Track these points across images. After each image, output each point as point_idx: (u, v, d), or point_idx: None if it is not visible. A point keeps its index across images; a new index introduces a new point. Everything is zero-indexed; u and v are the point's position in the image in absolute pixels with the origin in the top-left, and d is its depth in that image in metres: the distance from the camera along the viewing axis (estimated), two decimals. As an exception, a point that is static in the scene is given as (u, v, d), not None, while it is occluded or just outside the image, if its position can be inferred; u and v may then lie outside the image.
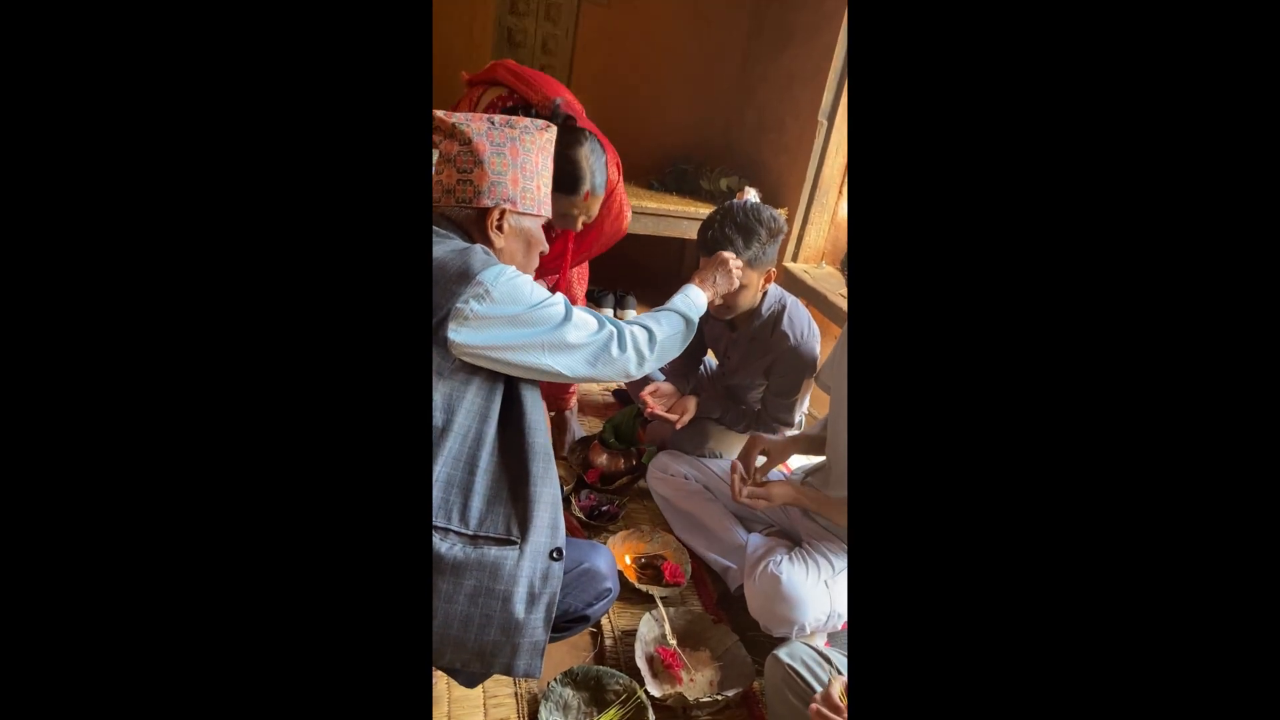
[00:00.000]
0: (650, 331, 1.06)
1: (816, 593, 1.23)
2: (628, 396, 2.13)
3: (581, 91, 3.04)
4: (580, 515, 1.58)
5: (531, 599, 0.89)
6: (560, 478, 1.68)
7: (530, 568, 0.89)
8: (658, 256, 3.18)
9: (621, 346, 1.00)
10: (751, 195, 2.75)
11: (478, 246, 0.93)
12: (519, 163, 0.99)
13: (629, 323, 1.05)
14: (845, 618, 1.30)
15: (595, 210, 1.42)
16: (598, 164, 1.35)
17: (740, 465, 1.39)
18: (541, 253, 1.08)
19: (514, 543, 0.90)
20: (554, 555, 0.92)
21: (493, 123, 0.98)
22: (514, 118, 1.00)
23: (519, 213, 1.00)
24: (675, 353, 1.14)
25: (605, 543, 1.48)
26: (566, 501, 1.62)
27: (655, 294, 3.17)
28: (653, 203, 2.66)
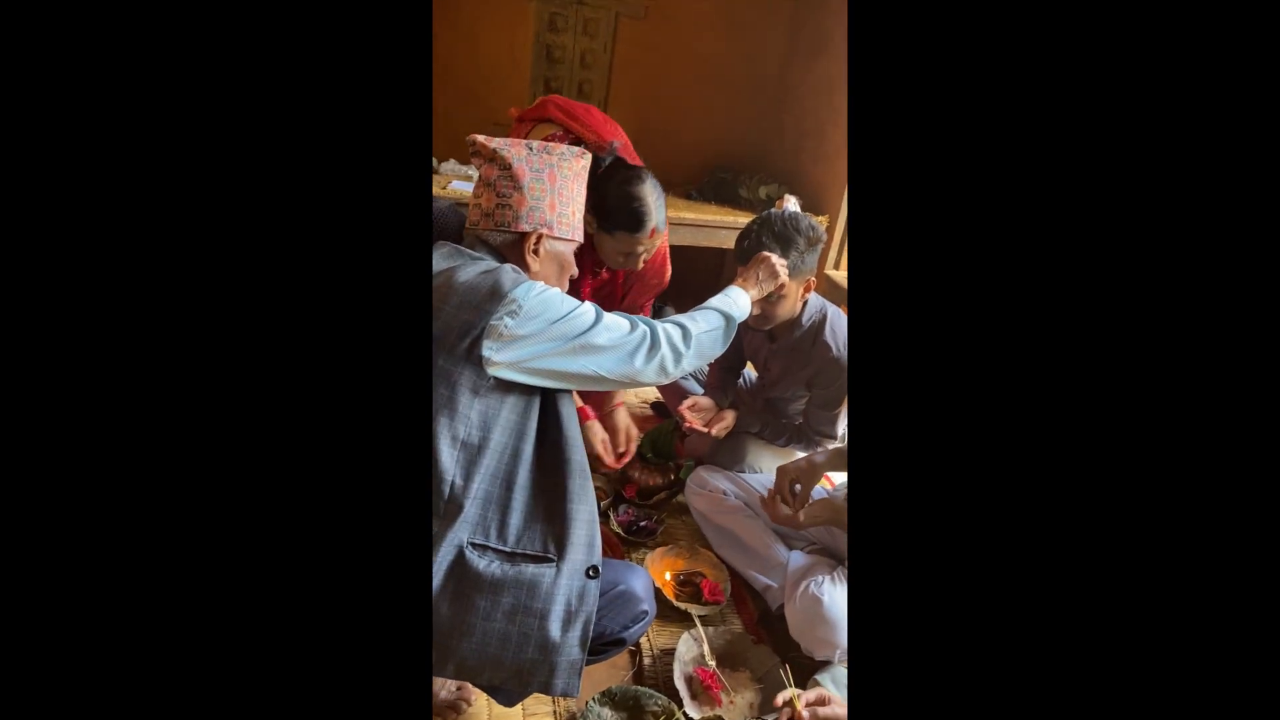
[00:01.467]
0: (684, 329, 1.04)
1: (860, 616, 1.19)
2: (666, 410, 2.12)
3: (620, 104, 3.09)
4: (618, 530, 1.57)
5: (568, 618, 0.89)
6: (598, 491, 1.68)
7: (567, 585, 0.89)
8: (696, 267, 3.16)
9: (655, 344, 0.98)
10: (791, 204, 2.72)
11: (507, 266, 0.94)
12: (556, 188, 1.00)
13: (664, 321, 1.05)
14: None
15: (657, 245, 1.44)
16: (660, 200, 1.37)
17: (777, 497, 1.34)
18: (571, 276, 1.10)
19: (551, 560, 0.90)
20: (590, 573, 0.91)
21: (530, 148, 0.99)
22: (551, 144, 1.02)
23: (555, 237, 1.02)
24: (715, 351, 1.11)
25: (643, 559, 1.47)
26: (605, 516, 1.61)
27: (694, 304, 3.15)
28: (691, 213, 2.65)
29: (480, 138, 1.00)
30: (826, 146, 2.72)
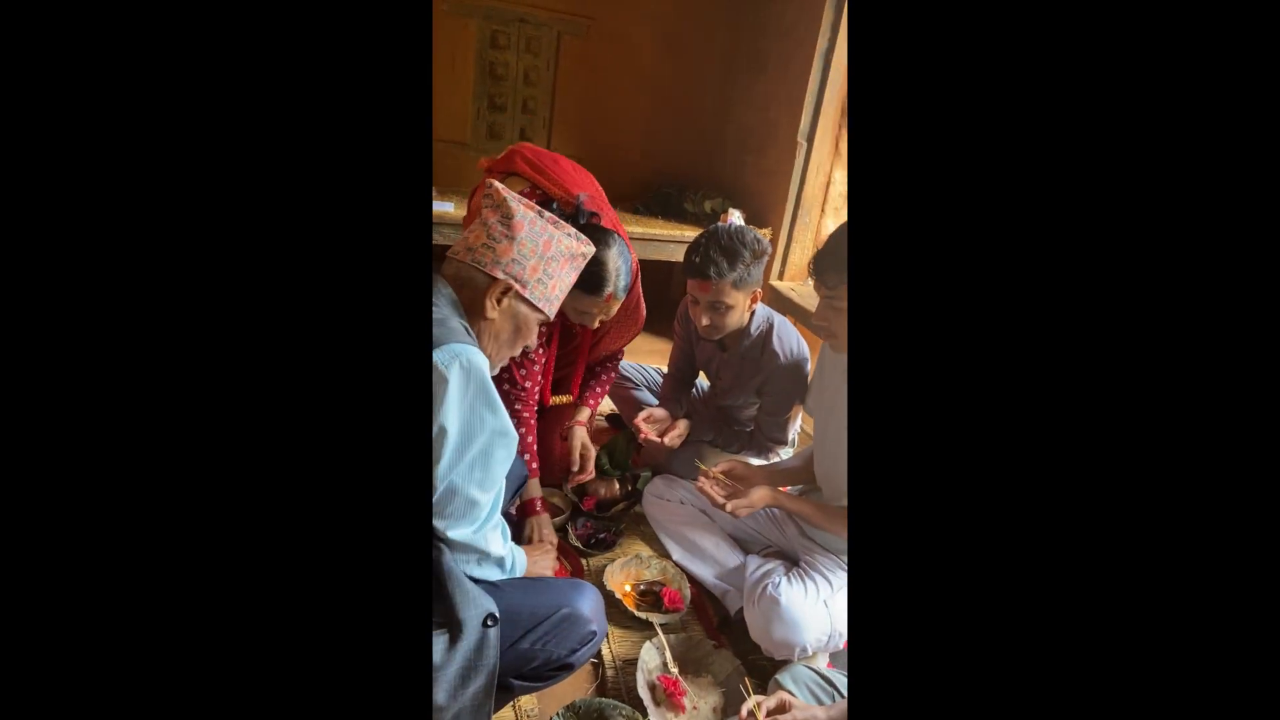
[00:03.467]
0: (501, 561, 1.02)
1: (816, 613, 1.23)
2: (622, 422, 2.13)
3: (565, 120, 3.11)
4: (577, 544, 1.57)
5: (463, 677, 0.87)
6: (556, 507, 1.68)
7: (466, 645, 0.88)
8: (644, 280, 3.20)
9: (487, 529, 0.96)
10: (736, 217, 2.79)
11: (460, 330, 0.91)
12: (546, 257, 0.99)
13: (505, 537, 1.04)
14: (846, 636, 1.30)
15: (614, 311, 1.45)
16: (624, 267, 1.38)
17: (709, 481, 1.40)
18: (527, 348, 1.07)
19: (442, 627, 0.88)
20: (488, 622, 0.89)
21: (541, 214, 0.99)
22: (563, 222, 1.01)
23: (524, 299, 0.99)
24: (470, 569, 1.02)
25: (603, 571, 1.47)
26: (562, 531, 1.61)
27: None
28: (638, 227, 2.69)
29: (498, 185, 0.99)
30: (767, 161, 2.81)
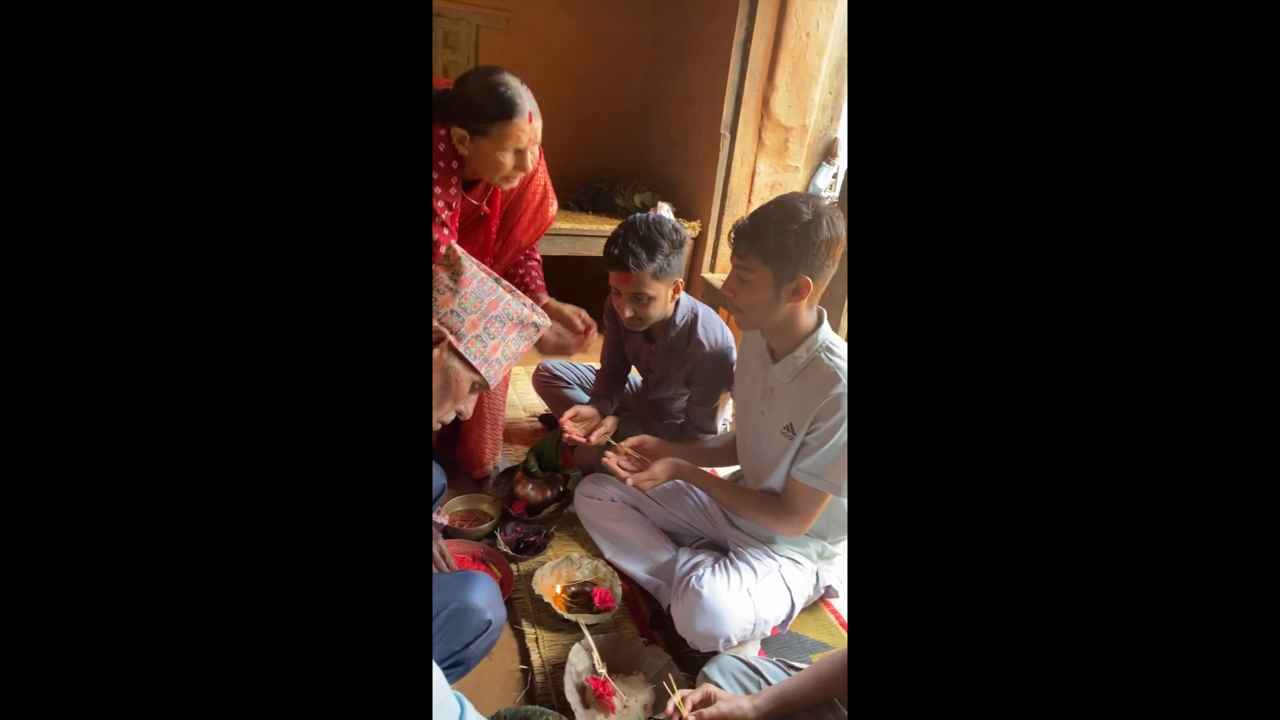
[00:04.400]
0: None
1: (739, 603, 1.24)
2: (555, 422, 2.11)
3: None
4: (507, 550, 1.54)
5: None
6: (483, 513, 1.65)
7: None
8: (579, 276, 3.17)
9: None
10: (665, 210, 2.78)
11: None
12: (490, 315, 0.92)
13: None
14: (772, 623, 1.31)
15: (539, 135, 1.32)
16: (527, 91, 1.28)
17: (616, 457, 1.41)
18: (459, 413, 0.97)
19: None
20: None
21: (498, 280, 0.93)
22: (519, 291, 0.95)
23: (457, 352, 0.90)
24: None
25: (534, 575, 1.45)
26: (492, 537, 1.58)
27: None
28: (569, 223, 2.66)
29: (456, 248, 0.93)
30: (694, 153, 2.82)
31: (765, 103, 2.56)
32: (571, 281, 3.28)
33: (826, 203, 1.14)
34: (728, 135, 2.58)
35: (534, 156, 1.33)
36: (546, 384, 2.08)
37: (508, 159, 1.29)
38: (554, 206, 1.60)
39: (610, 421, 1.66)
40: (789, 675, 1.10)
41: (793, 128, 2.64)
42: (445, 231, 1.36)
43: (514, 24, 2.92)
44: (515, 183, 1.38)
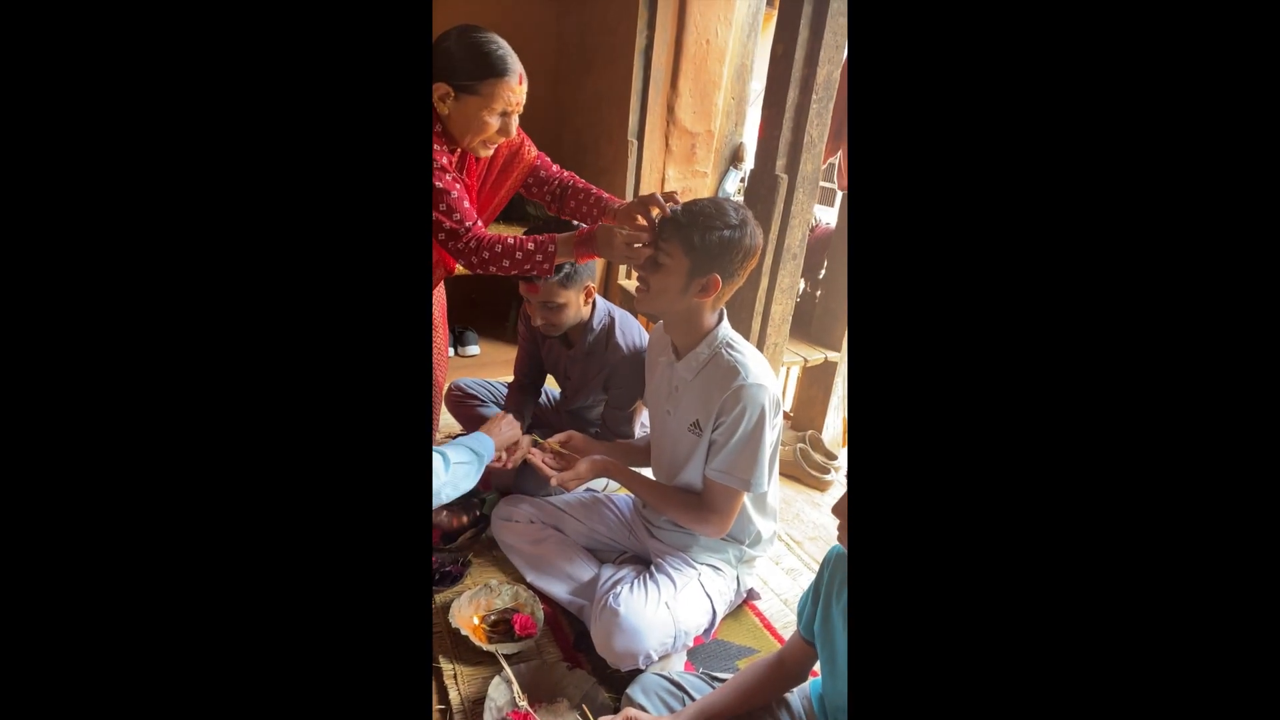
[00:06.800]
0: (445, 457, 1.16)
1: (658, 617, 1.22)
2: (470, 441, 2.03)
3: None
4: (421, 582, 1.46)
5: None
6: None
7: None
8: (495, 289, 3.10)
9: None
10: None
11: None
12: None
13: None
14: (694, 633, 1.30)
15: (523, 103, 1.25)
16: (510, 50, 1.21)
17: (541, 451, 1.40)
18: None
19: None
20: None
21: None
22: None
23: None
24: (467, 484, 1.22)
25: (450, 606, 1.38)
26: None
27: (496, 326, 3.08)
28: (477, 235, 2.58)
29: None
30: (603, 161, 2.80)
31: (670, 109, 2.57)
32: (484, 293, 3.20)
33: (752, 218, 1.18)
34: (634, 142, 2.58)
35: (515, 124, 1.26)
36: (459, 403, 2.00)
37: (494, 120, 1.22)
38: (533, 148, 1.47)
39: (526, 440, 1.60)
40: (713, 689, 1.10)
41: (698, 133, 2.67)
42: (449, 177, 1.22)
43: (410, 30, 2.82)
44: (491, 151, 1.30)
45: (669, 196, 1.19)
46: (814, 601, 0.98)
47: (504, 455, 1.52)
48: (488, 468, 1.66)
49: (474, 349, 2.82)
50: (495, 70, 1.18)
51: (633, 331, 1.70)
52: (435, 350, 1.60)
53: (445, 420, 2.24)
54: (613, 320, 1.68)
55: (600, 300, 1.69)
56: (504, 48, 1.20)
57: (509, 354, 2.77)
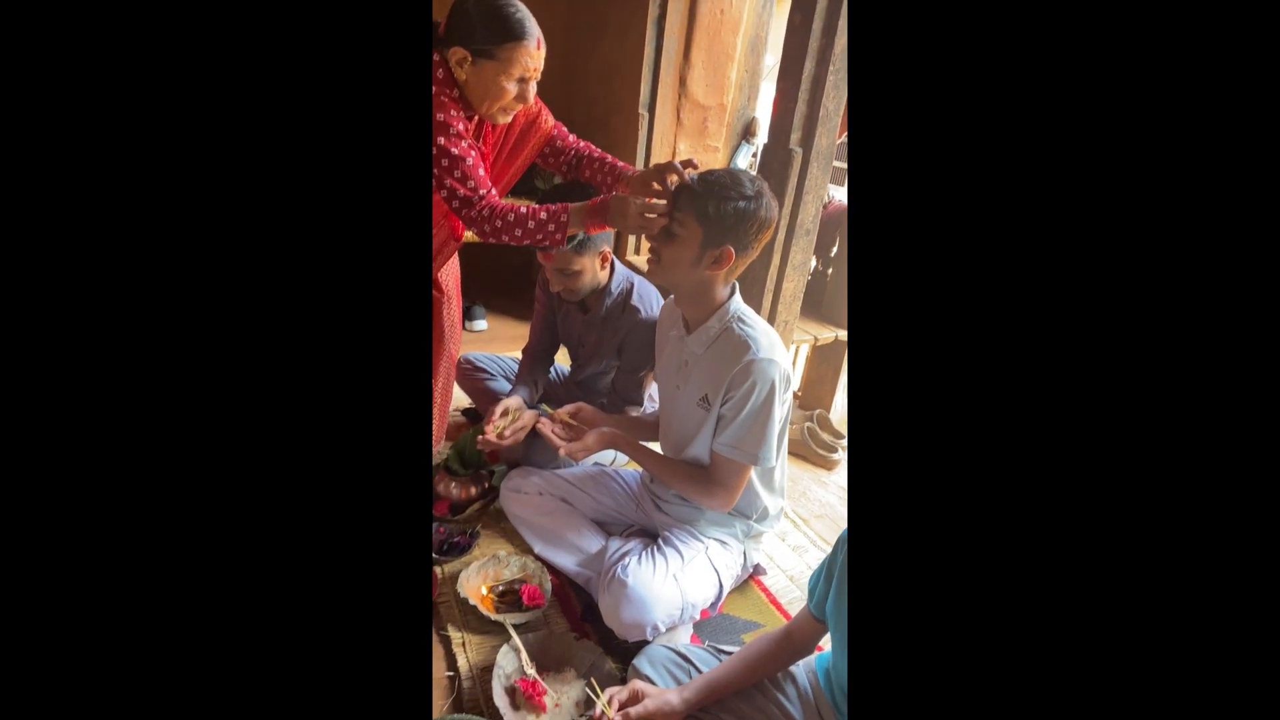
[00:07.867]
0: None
1: (665, 590, 1.23)
2: (478, 415, 2.04)
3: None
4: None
5: None
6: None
7: None
8: (502, 262, 3.08)
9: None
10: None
11: None
12: None
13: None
14: (701, 606, 1.31)
15: (541, 69, 1.23)
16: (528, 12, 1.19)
17: (551, 421, 1.39)
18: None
19: None
20: None
21: None
22: None
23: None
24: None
25: (459, 576, 1.40)
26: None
27: (503, 300, 3.07)
28: (485, 208, 2.56)
29: None
30: (614, 133, 2.76)
31: (682, 81, 2.53)
32: (496, 267, 3.18)
33: (768, 189, 1.16)
34: (645, 114, 2.54)
35: (533, 91, 1.24)
36: (469, 376, 2.01)
37: (511, 86, 1.20)
38: (550, 118, 1.46)
39: (528, 416, 1.60)
40: (720, 661, 1.11)
41: (710, 106, 2.62)
42: (465, 143, 1.20)
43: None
44: (509, 118, 1.29)
45: (686, 164, 1.18)
46: (827, 580, 0.98)
47: (506, 433, 1.52)
48: (497, 442, 1.67)
49: (481, 324, 2.82)
50: (513, 34, 1.16)
51: (650, 296, 1.70)
52: (449, 322, 1.60)
53: (456, 393, 2.24)
54: (631, 285, 1.69)
55: (619, 265, 1.69)
56: (522, 10, 1.18)
57: (517, 330, 2.77)
